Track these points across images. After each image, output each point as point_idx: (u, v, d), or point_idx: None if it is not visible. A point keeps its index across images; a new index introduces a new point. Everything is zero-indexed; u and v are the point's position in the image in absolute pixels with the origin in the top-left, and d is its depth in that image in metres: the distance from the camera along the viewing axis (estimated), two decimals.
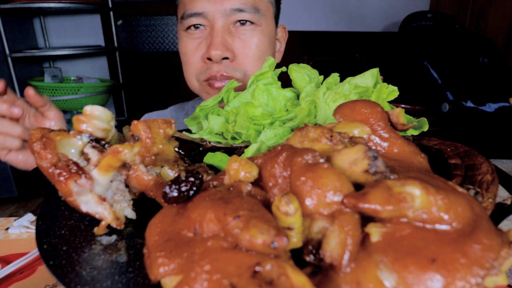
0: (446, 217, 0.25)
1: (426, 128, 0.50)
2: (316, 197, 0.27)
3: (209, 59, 0.79)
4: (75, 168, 0.34)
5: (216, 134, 0.57)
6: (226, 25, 0.79)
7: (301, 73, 0.60)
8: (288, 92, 0.59)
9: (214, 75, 0.80)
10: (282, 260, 0.24)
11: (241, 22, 0.79)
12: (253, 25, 0.81)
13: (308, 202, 0.27)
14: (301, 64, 0.61)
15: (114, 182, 0.38)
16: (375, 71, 0.55)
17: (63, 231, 0.35)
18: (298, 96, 0.61)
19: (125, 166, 0.38)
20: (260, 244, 0.23)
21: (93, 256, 0.32)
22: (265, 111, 0.56)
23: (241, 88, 0.72)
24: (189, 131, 0.62)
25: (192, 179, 0.32)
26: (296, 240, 0.26)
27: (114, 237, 0.35)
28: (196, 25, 0.81)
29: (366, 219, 0.27)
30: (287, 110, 0.58)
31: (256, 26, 0.81)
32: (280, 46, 0.97)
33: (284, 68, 0.63)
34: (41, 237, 0.34)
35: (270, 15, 0.85)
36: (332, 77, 0.57)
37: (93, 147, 0.37)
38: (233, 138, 0.55)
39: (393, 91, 0.53)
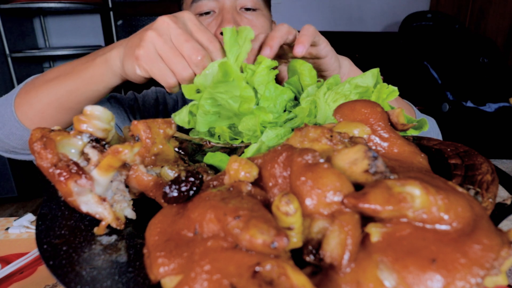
0: (446, 217, 0.25)
1: (426, 128, 0.50)
2: (316, 197, 0.27)
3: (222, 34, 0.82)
4: (75, 168, 0.34)
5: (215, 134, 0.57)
6: (234, 6, 0.86)
7: (307, 65, 0.59)
8: (281, 88, 0.58)
9: None
10: (282, 260, 0.24)
11: (246, 8, 0.88)
12: (257, 10, 0.89)
13: (308, 202, 0.27)
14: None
15: (114, 182, 0.38)
16: (375, 71, 0.55)
17: (63, 231, 0.35)
18: (297, 95, 0.61)
19: (125, 166, 0.38)
20: (260, 244, 0.23)
21: (93, 256, 0.32)
22: (274, 115, 0.55)
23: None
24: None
25: (192, 179, 0.32)
26: (296, 240, 0.26)
27: (114, 237, 0.35)
28: (206, 12, 0.87)
29: (366, 219, 0.27)
30: (286, 110, 0.58)
31: (259, 10, 0.89)
32: None
33: (276, 63, 0.58)
34: (41, 237, 0.34)
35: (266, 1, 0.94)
36: (333, 78, 0.57)
37: (93, 147, 0.37)
38: (232, 139, 0.55)
39: (393, 91, 0.53)
